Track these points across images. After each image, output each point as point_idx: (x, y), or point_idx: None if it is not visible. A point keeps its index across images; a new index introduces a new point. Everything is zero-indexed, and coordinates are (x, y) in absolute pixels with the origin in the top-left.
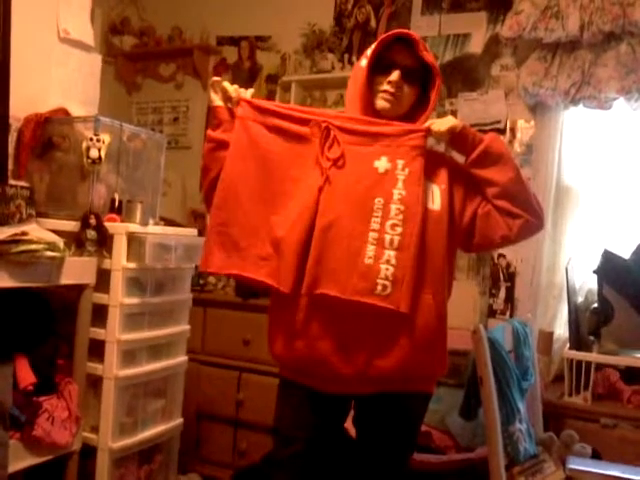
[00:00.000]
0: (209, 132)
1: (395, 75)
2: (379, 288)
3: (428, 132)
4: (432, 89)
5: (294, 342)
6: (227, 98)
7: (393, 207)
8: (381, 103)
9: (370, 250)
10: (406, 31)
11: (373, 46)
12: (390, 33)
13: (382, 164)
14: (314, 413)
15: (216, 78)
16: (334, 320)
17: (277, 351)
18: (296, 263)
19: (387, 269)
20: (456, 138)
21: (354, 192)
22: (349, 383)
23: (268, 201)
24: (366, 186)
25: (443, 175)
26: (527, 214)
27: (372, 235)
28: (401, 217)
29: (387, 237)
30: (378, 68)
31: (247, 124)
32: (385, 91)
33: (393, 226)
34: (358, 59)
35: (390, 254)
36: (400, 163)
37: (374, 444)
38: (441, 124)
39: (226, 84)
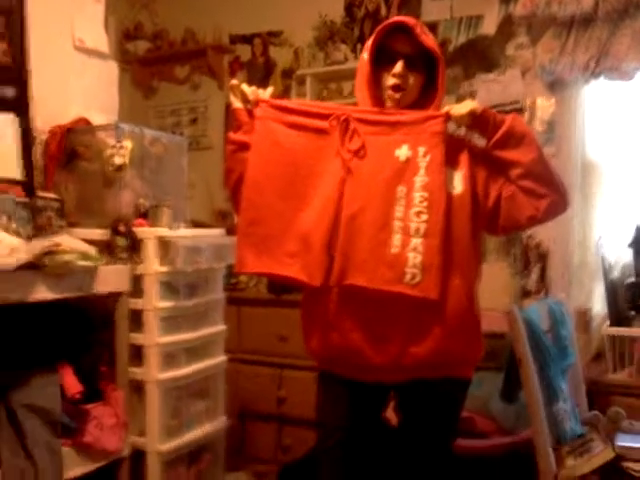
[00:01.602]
0: (230, 134)
1: (398, 67)
2: (408, 277)
3: (448, 117)
4: (438, 73)
5: (328, 335)
6: (246, 100)
7: (417, 195)
8: (390, 101)
9: (396, 239)
10: (401, 19)
11: (372, 38)
12: (386, 23)
13: (403, 152)
14: (353, 403)
15: (234, 82)
16: (365, 311)
17: (312, 345)
18: (324, 256)
19: (415, 257)
20: (477, 121)
21: (376, 182)
22: (384, 372)
23: (293, 198)
24: (388, 175)
25: (463, 160)
26: (553, 193)
27: (397, 224)
28: (425, 204)
29: (412, 225)
30: (382, 60)
31: (267, 124)
32: (392, 86)
33: (418, 214)
34: (362, 52)
35: (417, 242)
36: (421, 150)
37: (415, 431)
38: (460, 108)
39: (244, 86)
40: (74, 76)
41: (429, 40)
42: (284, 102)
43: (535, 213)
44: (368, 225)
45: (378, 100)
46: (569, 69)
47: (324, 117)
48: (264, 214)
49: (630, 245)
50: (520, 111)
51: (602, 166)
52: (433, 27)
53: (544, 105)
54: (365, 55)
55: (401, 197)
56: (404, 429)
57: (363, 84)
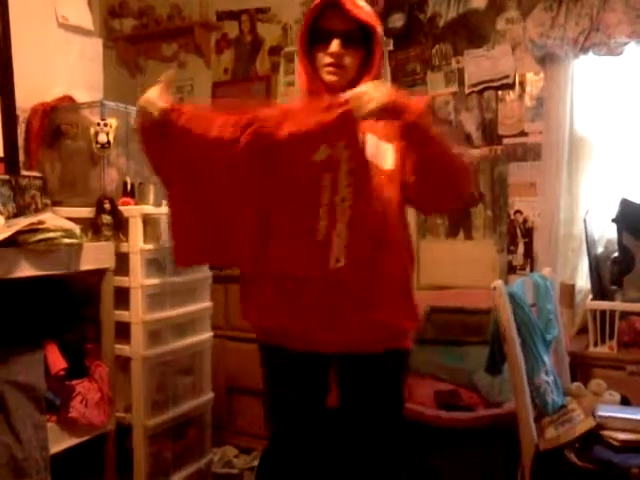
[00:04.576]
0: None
1: (334, 46)
2: (332, 262)
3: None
4: (376, 46)
5: (262, 313)
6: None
7: (342, 181)
8: (328, 77)
9: (322, 226)
10: None
11: (304, 19)
12: (316, 1)
13: (321, 153)
14: (296, 377)
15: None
16: (298, 294)
17: (251, 317)
18: (252, 244)
19: (340, 242)
20: (382, 113)
21: (300, 182)
22: (323, 344)
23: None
24: (310, 173)
25: (396, 132)
26: (455, 188)
27: (322, 210)
28: (350, 190)
29: (338, 209)
30: (318, 39)
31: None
32: (328, 64)
33: (342, 200)
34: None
35: (341, 227)
36: (341, 144)
37: (359, 407)
38: (361, 103)
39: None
40: (58, 53)
41: (362, 13)
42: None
43: (431, 206)
44: (297, 215)
45: (315, 82)
46: (559, 43)
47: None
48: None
49: (614, 220)
50: (510, 86)
51: (590, 141)
52: (423, 2)
53: (534, 80)
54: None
55: (326, 186)
56: (347, 406)
57: (300, 67)
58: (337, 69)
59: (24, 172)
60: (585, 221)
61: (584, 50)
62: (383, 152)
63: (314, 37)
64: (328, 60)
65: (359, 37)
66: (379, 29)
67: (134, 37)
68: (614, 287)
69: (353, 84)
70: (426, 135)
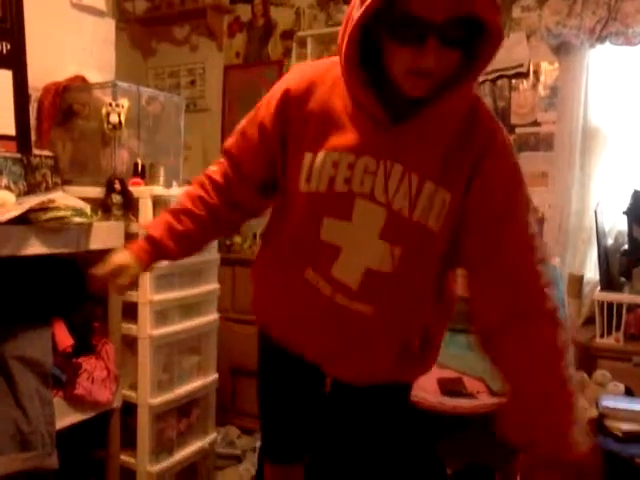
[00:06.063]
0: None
1: (430, 49)
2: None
3: None
4: (480, 41)
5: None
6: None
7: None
8: (411, 89)
9: None
10: None
11: None
12: None
13: None
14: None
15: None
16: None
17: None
18: None
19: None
20: None
21: None
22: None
23: None
24: None
25: (455, 176)
26: None
27: None
28: None
29: None
30: (397, 28)
31: None
32: (416, 71)
33: None
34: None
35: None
36: None
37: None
38: None
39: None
40: (70, 33)
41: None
42: None
43: None
44: None
45: (378, 85)
46: (576, 32)
47: None
48: None
49: (625, 212)
50: (524, 75)
51: (603, 132)
52: None
53: (548, 69)
54: (356, 13)
55: None
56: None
57: (345, 54)
58: (427, 79)
59: (36, 151)
60: (596, 212)
61: (601, 39)
62: (434, 203)
63: (383, 19)
64: (417, 65)
65: (463, 31)
66: (498, 20)
67: (146, 19)
68: (623, 279)
69: (433, 96)
70: None
